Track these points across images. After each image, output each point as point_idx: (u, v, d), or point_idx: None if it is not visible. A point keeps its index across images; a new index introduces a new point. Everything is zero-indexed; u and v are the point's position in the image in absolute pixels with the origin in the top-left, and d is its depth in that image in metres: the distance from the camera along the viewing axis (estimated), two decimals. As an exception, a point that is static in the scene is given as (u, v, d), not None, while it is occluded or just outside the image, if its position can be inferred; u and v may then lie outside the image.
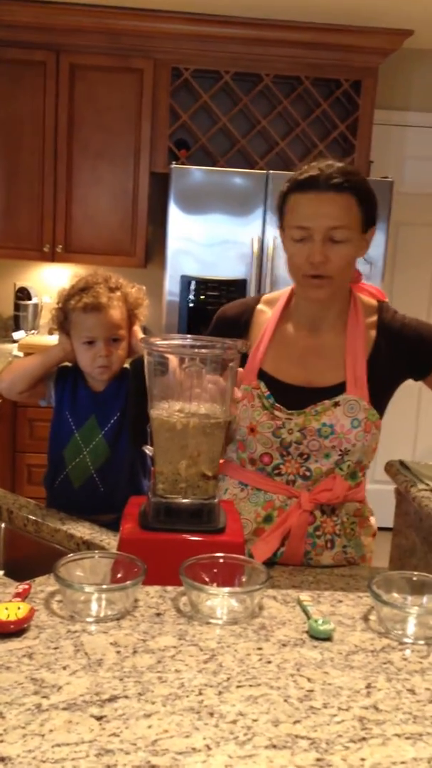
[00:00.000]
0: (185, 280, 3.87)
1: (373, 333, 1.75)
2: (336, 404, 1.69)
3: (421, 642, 1.15)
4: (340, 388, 1.71)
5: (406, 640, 1.16)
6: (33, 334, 4.41)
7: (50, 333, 2.09)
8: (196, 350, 1.52)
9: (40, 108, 4.12)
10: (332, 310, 1.75)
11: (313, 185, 1.62)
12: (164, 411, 1.49)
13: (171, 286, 3.90)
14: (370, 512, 1.84)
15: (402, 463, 2.07)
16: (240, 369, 1.55)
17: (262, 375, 1.76)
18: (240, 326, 1.83)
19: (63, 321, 2.00)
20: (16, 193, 4.19)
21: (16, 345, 4.22)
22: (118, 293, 1.99)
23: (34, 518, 1.92)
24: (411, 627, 1.17)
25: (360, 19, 3.97)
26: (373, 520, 1.85)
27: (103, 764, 0.85)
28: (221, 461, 1.89)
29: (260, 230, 3.89)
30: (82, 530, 1.84)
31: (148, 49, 4.09)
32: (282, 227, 1.73)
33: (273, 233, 3.87)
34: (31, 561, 1.91)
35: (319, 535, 1.73)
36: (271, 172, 3.93)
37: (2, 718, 0.92)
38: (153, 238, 4.40)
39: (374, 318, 1.76)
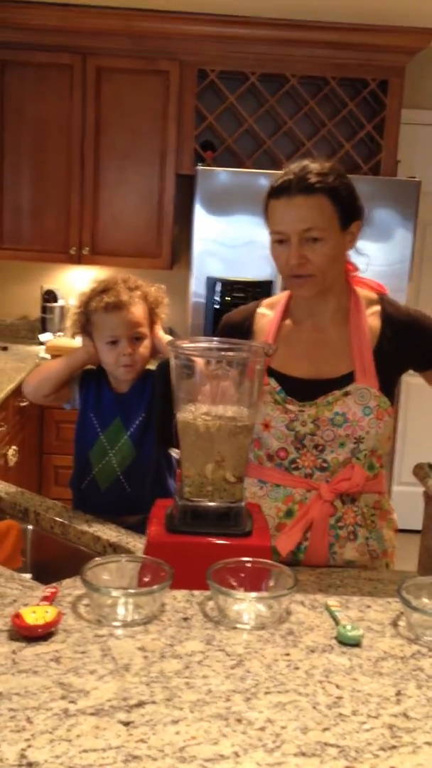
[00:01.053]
0: (211, 282, 3.86)
1: (377, 324, 1.77)
2: (346, 393, 1.71)
3: (452, 648, 1.14)
4: (349, 378, 1.73)
5: (436, 646, 1.14)
6: (59, 336, 4.43)
7: (72, 337, 2.09)
8: (223, 353, 1.52)
9: (67, 110, 4.14)
10: (330, 304, 1.78)
11: (285, 190, 1.66)
12: (190, 414, 1.49)
13: (197, 287, 3.90)
14: (390, 506, 1.84)
15: (430, 465, 2.05)
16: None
17: (271, 372, 1.78)
18: (243, 331, 1.86)
19: (85, 324, 2.01)
20: (43, 195, 4.21)
21: (43, 347, 4.24)
22: (138, 292, 1.99)
23: (60, 520, 1.92)
24: (441, 633, 1.15)
25: (386, 19, 3.94)
26: (395, 515, 1.85)
27: (130, 770, 0.85)
28: None
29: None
30: (109, 533, 1.84)
31: (174, 51, 4.10)
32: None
33: (299, 234, 3.86)
34: (58, 563, 1.91)
35: (341, 527, 1.73)
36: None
37: (30, 723, 0.92)
38: (179, 239, 4.40)
39: (376, 309, 1.79)
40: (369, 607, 1.26)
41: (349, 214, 1.70)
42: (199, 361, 1.49)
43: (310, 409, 1.72)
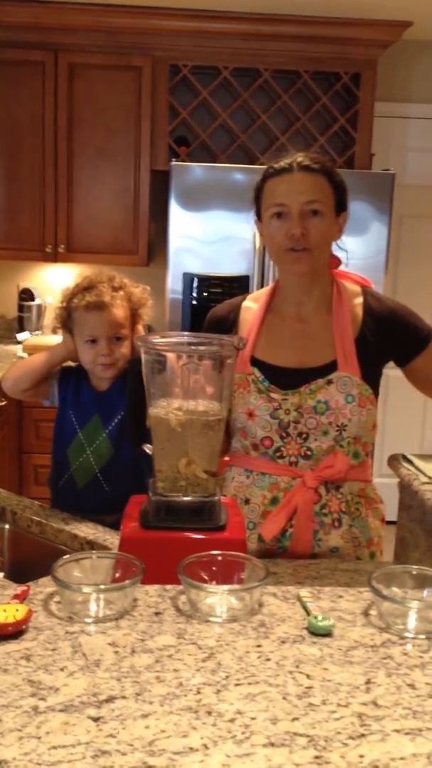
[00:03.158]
0: (187, 278, 3.86)
1: (360, 314, 1.82)
2: (329, 382, 1.75)
3: (422, 636, 1.15)
4: (331, 367, 1.76)
5: (406, 634, 1.15)
6: (37, 334, 4.42)
7: (54, 332, 2.09)
8: (193, 347, 1.52)
9: (40, 108, 4.12)
10: (315, 292, 1.83)
11: (286, 170, 1.74)
12: (162, 409, 1.49)
13: (173, 283, 3.89)
14: (376, 495, 1.86)
15: (404, 456, 2.06)
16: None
17: (255, 362, 1.81)
18: (228, 323, 1.90)
19: (66, 319, 2.00)
20: (17, 193, 4.19)
21: (20, 346, 4.22)
22: (122, 292, 1.99)
23: (37, 519, 1.92)
24: (412, 621, 1.16)
25: (358, 12, 3.95)
26: (382, 506, 1.87)
27: (99, 766, 0.84)
28: (226, 458, 1.90)
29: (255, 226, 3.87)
30: (86, 530, 1.84)
31: (146, 47, 4.09)
32: (259, 217, 1.84)
33: (275, 228, 3.86)
34: (35, 562, 1.91)
35: (325, 513, 1.75)
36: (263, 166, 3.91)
37: (-1, 720, 0.92)
38: (155, 236, 4.39)
39: (359, 300, 1.84)
40: (341, 597, 1.26)
41: (341, 202, 1.79)
42: (170, 356, 1.49)
43: (293, 398, 1.75)
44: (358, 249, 3.96)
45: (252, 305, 1.91)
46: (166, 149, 4.18)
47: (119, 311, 1.96)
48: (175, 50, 4.11)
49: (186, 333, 1.69)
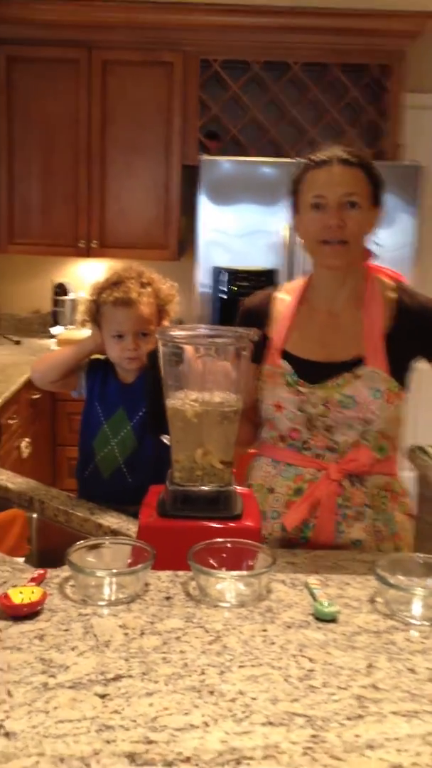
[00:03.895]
0: (216, 271, 3.89)
1: (392, 309, 1.81)
2: (356, 376, 1.75)
3: (426, 623, 1.17)
4: (359, 361, 1.77)
5: (411, 621, 1.17)
6: (70, 329, 4.48)
7: (82, 325, 2.13)
8: (209, 339, 1.55)
9: (73, 105, 4.18)
10: (347, 286, 1.83)
11: (326, 162, 1.76)
12: (179, 400, 1.52)
13: (203, 277, 3.93)
14: (402, 489, 1.87)
15: (422, 449, 2.07)
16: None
17: (285, 355, 1.83)
18: (262, 315, 1.90)
19: (95, 313, 2.04)
20: (52, 190, 4.26)
21: (54, 340, 4.29)
22: (149, 289, 2.02)
23: (64, 508, 1.96)
24: (416, 608, 1.18)
25: (386, 3, 3.94)
26: (409, 500, 1.88)
27: (102, 739, 0.88)
28: (251, 450, 1.93)
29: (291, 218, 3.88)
30: (110, 520, 1.88)
31: (177, 42, 4.12)
32: (297, 210, 1.84)
33: (304, 222, 3.88)
34: (61, 551, 1.95)
35: (348, 506, 1.77)
36: (300, 159, 3.92)
37: (10, 696, 0.96)
38: (186, 230, 4.43)
39: (394, 296, 1.83)
40: (348, 584, 1.29)
41: (378, 197, 1.81)
42: (187, 348, 1.52)
43: (321, 392, 1.77)
44: (385, 241, 3.91)
45: (285, 297, 1.91)
46: (196, 144, 4.22)
47: (146, 308, 1.99)
48: (206, 45, 4.14)
49: (203, 326, 1.72)
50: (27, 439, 3.64)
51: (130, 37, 4.09)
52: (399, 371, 1.79)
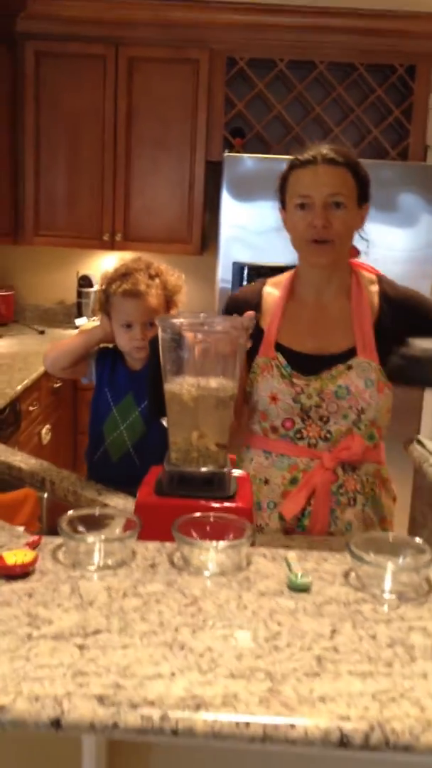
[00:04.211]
0: (237, 267, 3.96)
1: (376, 301, 1.88)
2: (349, 367, 1.82)
3: (394, 596, 1.23)
4: (351, 353, 1.83)
5: (380, 594, 1.24)
6: (94, 320, 4.57)
7: (93, 314, 2.22)
8: (206, 327, 1.62)
9: (100, 100, 4.26)
10: (334, 281, 1.89)
11: (311, 162, 1.79)
12: (177, 385, 1.60)
13: (223, 273, 3.99)
14: (389, 476, 1.94)
15: (418, 440, 2.13)
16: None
17: (279, 347, 1.89)
18: (251, 308, 1.93)
19: (105, 303, 2.12)
20: (77, 183, 4.35)
21: (78, 331, 4.38)
22: (157, 281, 2.09)
23: (73, 489, 2.05)
24: (386, 583, 1.25)
25: (413, 4, 3.98)
26: (394, 486, 1.94)
27: (76, 683, 0.97)
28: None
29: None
30: (117, 501, 1.96)
31: (204, 40, 4.19)
32: (283, 206, 1.88)
33: (324, 219, 3.93)
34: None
35: (342, 493, 1.83)
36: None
37: (-4, 644, 1.05)
38: (209, 225, 4.50)
39: (375, 288, 1.90)
40: (325, 560, 1.36)
41: (364, 194, 1.85)
42: (185, 335, 1.59)
43: (315, 383, 1.82)
44: (408, 241, 4.00)
45: (273, 291, 1.97)
46: (221, 140, 4.28)
47: (154, 299, 2.07)
48: (232, 43, 4.20)
49: (202, 313, 1.78)
50: (47, 426, 3.75)
51: (156, 34, 4.17)
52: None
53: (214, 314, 1.83)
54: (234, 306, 1.97)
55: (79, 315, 4.63)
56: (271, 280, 2.02)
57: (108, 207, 4.35)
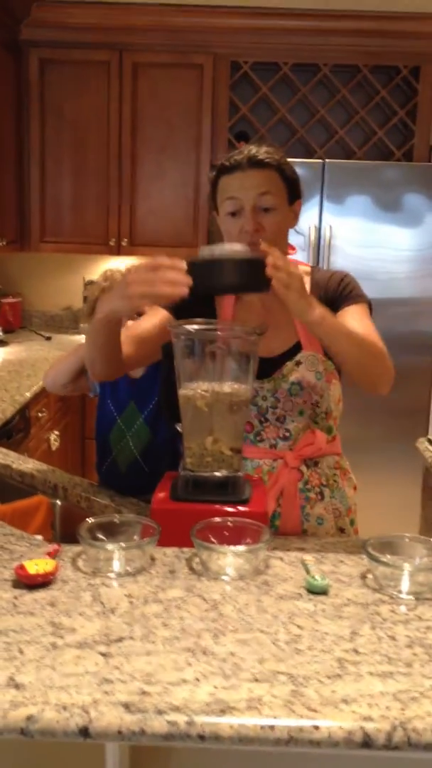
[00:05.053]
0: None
1: (311, 291, 1.83)
2: (298, 363, 1.83)
3: (411, 597, 1.24)
4: (297, 348, 1.84)
5: (397, 595, 1.25)
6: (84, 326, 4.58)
7: (82, 332, 2.23)
8: (219, 333, 1.64)
9: (105, 106, 4.28)
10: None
11: (237, 167, 1.75)
12: (191, 390, 1.61)
13: (230, 275, 3.99)
14: (348, 466, 1.95)
15: (429, 439, 2.14)
16: None
17: None
18: (208, 312, 1.89)
19: (91, 314, 2.14)
20: (83, 189, 4.37)
21: (83, 336, 4.40)
22: None
23: (86, 495, 2.06)
24: (404, 584, 1.26)
25: (417, 6, 3.99)
26: (353, 476, 1.96)
27: (101, 690, 0.98)
28: None
29: (317, 219, 3.96)
30: (129, 506, 1.97)
31: (208, 45, 4.20)
32: (216, 210, 1.86)
33: (330, 221, 3.95)
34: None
35: (309, 489, 1.85)
36: (327, 160, 4.00)
37: (21, 653, 1.06)
38: (215, 229, 4.50)
39: (308, 278, 1.88)
40: (342, 562, 1.37)
41: (294, 192, 1.82)
42: (198, 341, 1.60)
43: (268, 384, 1.83)
44: (413, 241, 4.02)
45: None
46: (225, 144, 4.30)
47: None
48: (236, 47, 4.22)
49: (214, 320, 1.78)
50: (56, 432, 3.76)
51: (160, 39, 4.18)
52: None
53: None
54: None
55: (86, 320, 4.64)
56: None
57: (114, 212, 4.37)
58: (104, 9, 4.12)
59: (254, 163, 1.74)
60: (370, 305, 1.88)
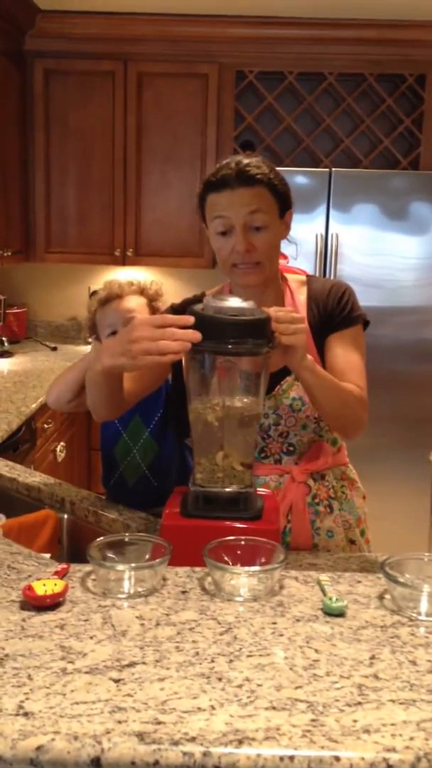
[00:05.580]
0: (250, 279, 3.94)
1: (306, 302, 1.83)
2: (297, 378, 1.77)
3: (430, 619, 1.21)
4: None
5: (417, 617, 1.21)
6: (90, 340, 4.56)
7: (86, 342, 2.20)
8: (230, 347, 1.60)
9: (110, 116, 4.27)
10: (268, 294, 1.80)
11: (226, 184, 1.68)
12: (201, 404, 1.58)
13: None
14: (355, 475, 1.92)
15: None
16: None
17: None
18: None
19: (93, 327, 2.12)
20: (88, 199, 4.36)
21: (90, 347, 4.37)
22: (133, 287, 2.09)
23: (93, 509, 2.03)
24: (423, 605, 1.22)
25: (422, 14, 3.98)
26: (361, 485, 1.93)
27: (114, 720, 0.94)
28: None
29: (324, 228, 3.93)
30: (138, 521, 1.94)
31: (212, 54, 4.19)
32: (206, 224, 1.80)
33: (336, 230, 3.92)
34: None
35: (318, 503, 1.83)
36: (334, 169, 3.98)
37: (30, 679, 1.02)
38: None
39: (304, 288, 1.85)
40: (359, 582, 1.33)
41: (285, 204, 1.76)
42: (209, 355, 1.57)
43: (269, 401, 1.80)
44: (419, 249, 3.99)
45: None
46: (231, 154, 4.27)
47: (132, 300, 2.05)
48: (241, 57, 4.21)
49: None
50: (62, 444, 3.73)
51: (165, 49, 4.17)
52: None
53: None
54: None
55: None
56: (209, 292, 1.93)
57: (119, 222, 4.35)
58: (109, 19, 4.11)
59: (243, 180, 1.67)
60: (367, 322, 1.85)
